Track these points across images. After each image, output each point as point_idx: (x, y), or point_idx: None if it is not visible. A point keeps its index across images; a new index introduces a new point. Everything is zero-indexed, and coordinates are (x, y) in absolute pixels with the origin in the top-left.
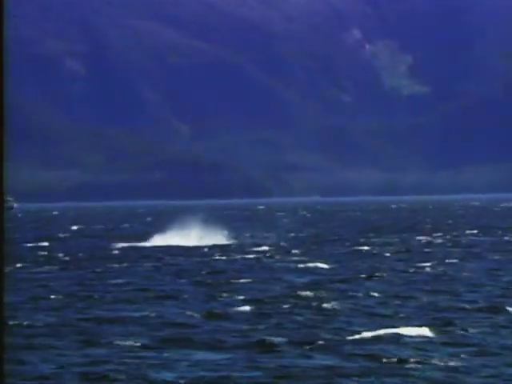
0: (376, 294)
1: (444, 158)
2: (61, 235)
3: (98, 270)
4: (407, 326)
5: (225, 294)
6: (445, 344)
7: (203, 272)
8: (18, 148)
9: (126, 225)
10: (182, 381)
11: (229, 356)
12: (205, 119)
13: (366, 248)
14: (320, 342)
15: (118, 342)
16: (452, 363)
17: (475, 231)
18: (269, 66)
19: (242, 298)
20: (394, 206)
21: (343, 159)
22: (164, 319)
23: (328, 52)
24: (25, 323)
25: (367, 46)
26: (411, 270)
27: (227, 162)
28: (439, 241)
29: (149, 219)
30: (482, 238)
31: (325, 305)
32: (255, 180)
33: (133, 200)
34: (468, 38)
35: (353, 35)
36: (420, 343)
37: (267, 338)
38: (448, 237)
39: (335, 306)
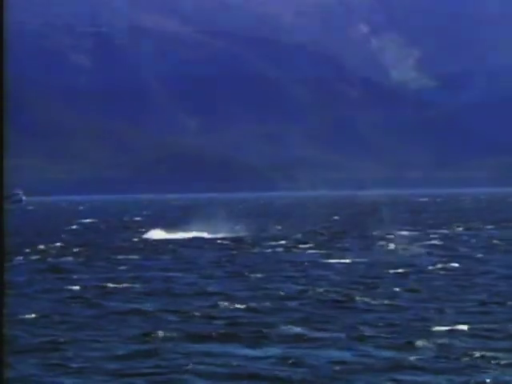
0: None
1: (450, 152)
2: (76, 227)
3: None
4: None
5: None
6: None
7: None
8: (25, 142)
9: (138, 218)
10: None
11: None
12: (212, 113)
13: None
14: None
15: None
16: None
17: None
18: (277, 59)
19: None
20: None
21: (350, 153)
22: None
23: (335, 46)
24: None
25: (374, 40)
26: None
27: (235, 156)
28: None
29: (174, 212)
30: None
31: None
32: (263, 174)
33: (139, 193)
34: (475, 30)
35: (359, 29)
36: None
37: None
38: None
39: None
